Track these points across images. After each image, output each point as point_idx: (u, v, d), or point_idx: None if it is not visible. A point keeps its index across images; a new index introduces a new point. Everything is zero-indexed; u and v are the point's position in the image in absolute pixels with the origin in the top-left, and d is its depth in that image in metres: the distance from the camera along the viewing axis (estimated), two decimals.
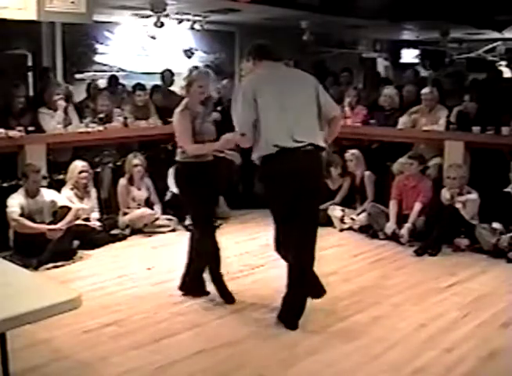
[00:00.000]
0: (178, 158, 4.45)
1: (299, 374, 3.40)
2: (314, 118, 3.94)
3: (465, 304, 4.41)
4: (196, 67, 4.51)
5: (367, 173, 6.57)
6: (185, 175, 4.43)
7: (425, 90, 6.63)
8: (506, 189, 5.68)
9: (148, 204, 6.45)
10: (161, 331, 3.90)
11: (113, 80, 8.18)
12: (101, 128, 6.37)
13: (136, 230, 6.24)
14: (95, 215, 5.99)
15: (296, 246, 3.92)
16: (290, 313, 3.95)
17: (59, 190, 5.76)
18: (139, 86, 7.18)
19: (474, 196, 5.80)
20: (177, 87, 6.86)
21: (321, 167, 4.08)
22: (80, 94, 7.43)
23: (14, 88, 6.15)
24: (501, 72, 9.47)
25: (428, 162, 6.43)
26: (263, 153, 3.85)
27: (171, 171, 6.52)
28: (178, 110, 4.38)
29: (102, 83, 8.12)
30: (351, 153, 6.66)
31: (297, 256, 3.92)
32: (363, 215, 6.35)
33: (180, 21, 8.86)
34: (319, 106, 3.95)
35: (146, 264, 5.27)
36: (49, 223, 5.37)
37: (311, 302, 4.01)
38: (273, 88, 3.88)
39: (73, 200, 5.74)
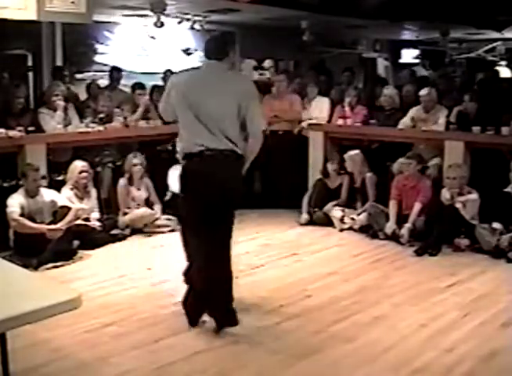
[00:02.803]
0: None
1: (299, 374, 3.40)
2: (235, 127, 3.75)
3: (465, 304, 4.41)
4: None
5: (368, 175, 6.52)
6: None
7: (423, 91, 6.61)
8: (506, 189, 5.68)
9: (148, 204, 6.45)
10: (161, 331, 3.90)
11: (114, 73, 7.77)
12: (101, 128, 6.37)
13: (136, 230, 6.23)
14: (95, 215, 5.99)
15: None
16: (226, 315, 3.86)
17: (59, 190, 5.76)
18: (138, 85, 7.13)
19: (474, 196, 5.79)
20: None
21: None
22: (80, 94, 7.43)
23: (14, 88, 6.15)
24: (497, 72, 9.44)
25: (428, 162, 6.43)
26: (186, 151, 3.79)
27: (171, 171, 6.55)
28: None
29: (102, 83, 8.10)
30: (349, 155, 6.67)
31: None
32: (363, 215, 6.35)
33: (180, 21, 8.85)
34: (240, 116, 3.74)
35: (146, 264, 5.27)
36: (49, 223, 5.37)
37: (311, 302, 3.99)
38: (200, 89, 3.77)
39: (73, 200, 5.74)
